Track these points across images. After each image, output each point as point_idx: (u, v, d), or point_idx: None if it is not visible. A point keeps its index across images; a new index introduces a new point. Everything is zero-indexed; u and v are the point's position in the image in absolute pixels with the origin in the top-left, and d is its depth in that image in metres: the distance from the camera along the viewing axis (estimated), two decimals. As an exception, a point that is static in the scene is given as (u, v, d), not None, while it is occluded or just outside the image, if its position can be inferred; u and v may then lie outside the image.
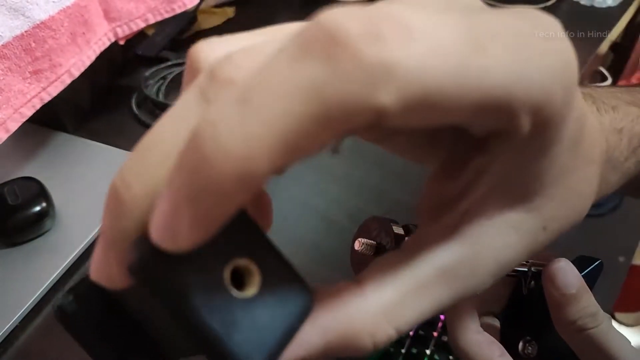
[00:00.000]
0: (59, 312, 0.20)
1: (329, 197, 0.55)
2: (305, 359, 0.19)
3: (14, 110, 0.48)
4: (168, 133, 0.17)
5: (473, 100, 0.16)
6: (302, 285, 0.20)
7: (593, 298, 0.33)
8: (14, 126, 0.48)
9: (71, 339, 0.43)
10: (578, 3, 0.84)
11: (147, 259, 0.16)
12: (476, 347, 0.33)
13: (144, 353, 0.21)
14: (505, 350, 0.34)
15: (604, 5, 0.83)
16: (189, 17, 0.75)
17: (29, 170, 0.57)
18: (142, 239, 0.17)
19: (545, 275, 0.34)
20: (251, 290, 0.18)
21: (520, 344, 0.37)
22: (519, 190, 0.21)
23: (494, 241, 0.21)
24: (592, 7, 0.83)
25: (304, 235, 0.51)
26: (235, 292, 0.18)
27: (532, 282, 0.36)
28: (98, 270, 0.19)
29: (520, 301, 0.37)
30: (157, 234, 0.16)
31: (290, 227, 0.52)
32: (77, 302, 0.20)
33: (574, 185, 0.23)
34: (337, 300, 0.20)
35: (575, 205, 0.24)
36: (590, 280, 0.35)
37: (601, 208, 0.55)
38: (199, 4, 0.74)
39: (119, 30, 0.58)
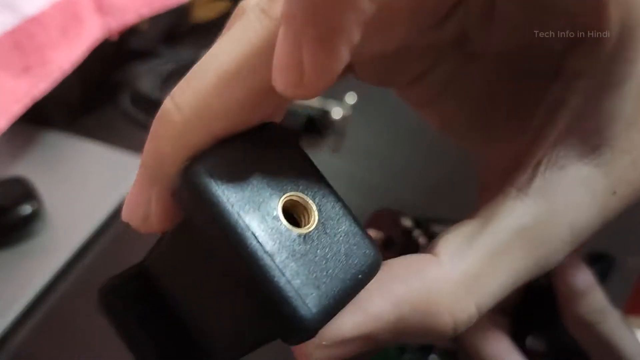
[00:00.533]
0: (102, 296, 0.20)
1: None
2: (374, 335, 0.17)
3: (3, 108, 0.47)
4: (226, 54, 0.16)
5: None
6: (367, 240, 0.18)
7: (602, 293, 0.33)
8: (4, 124, 0.47)
9: (61, 344, 0.42)
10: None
11: (200, 175, 0.15)
12: (485, 342, 0.34)
13: (182, 350, 0.20)
14: (513, 347, 0.35)
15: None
16: (184, 10, 0.74)
17: (18, 169, 0.56)
18: (192, 166, 0.16)
19: (555, 270, 0.34)
20: (307, 228, 0.17)
21: (529, 339, 0.37)
22: (591, 137, 0.19)
23: (567, 198, 0.19)
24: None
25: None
26: (290, 226, 0.16)
27: (541, 278, 0.37)
28: (133, 209, 0.18)
29: (529, 298, 0.38)
30: (280, 78, 0.15)
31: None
32: (121, 289, 0.20)
33: None
34: (410, 269, 0.18)
35: None
36: (601, 275, 0.35)
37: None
38: (194, -3, 0.73)
39: (111, 24, 0.58)
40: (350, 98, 0.60)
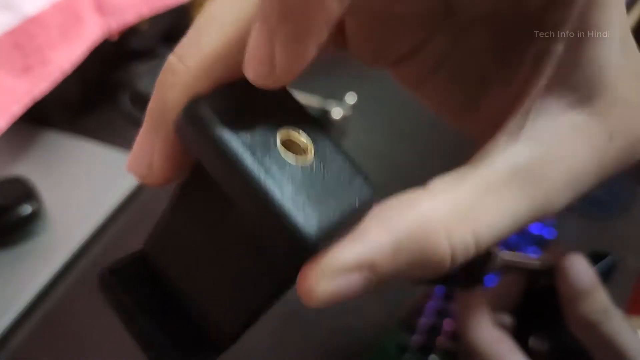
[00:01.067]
0: (102, 278, 0.20)
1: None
2: (374, 265, 0.17)
3: (3, 108, 0.47)
4: (226, 10, 0.18)
5: None
6: (361, 173, 0.19)
7: (605, 293, 0.34)
8: (4, 124, 0.47)
9: (61, 343, 0.42)
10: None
11: (202, 108, 0.17)
12: (488, 342, 0.34)
13: (182, 334, 0.21)
14: (516, 347, 0.35)
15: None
16: (184, 11, 0.74)
17: (18, 169, 0.56)
18: (194, 102, 0.17)
19: (558, 270, 0.35)
20: (304, 160, 0.18)
21: (531, 340, 0.37)
22: (580, 86, 0.20)
23: (561, 143, 0.20)
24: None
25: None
26: (289, 156, 0.17)
27: (544, 279, 0.37)
28: (137, 158, 0.19)
29: (532, 298, 0.38)
30: (253, 69, 0.16)
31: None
32: (121, 272, 0.21)
33: (634, 96, 0.21)
34: (404, 202, 0.19)
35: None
36: (603, 275, 0.35)
37: (611, 208, 0.55)
38: (193, -3, 0.73)
39: (111, 24, 0.58)
40: (350, 98, 0.60)
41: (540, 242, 0.52)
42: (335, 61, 0.71)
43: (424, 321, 0.56)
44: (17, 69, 0.48)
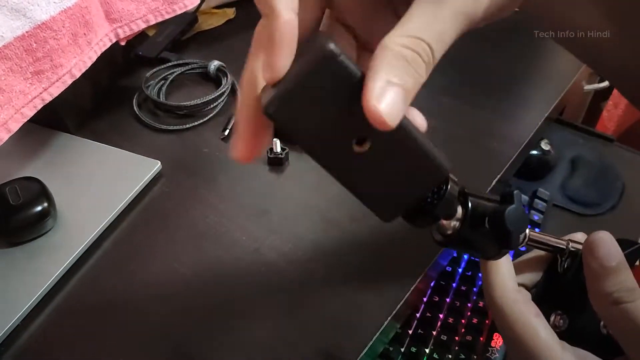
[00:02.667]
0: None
1: (329, 197, 0.55)
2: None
3: (15, 111, 0.48)
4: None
5: None
6: None
7: (632, 274, 0.34)
8: (15, 126, 0.48)
9: (72, 338, 0.43)
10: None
11: (335, 49, 0.24)
12: (512, 303, 0.34)
13: None
14: (540, 312, 0.35)
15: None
16: (190, 18, 0.76)
17: (31, 170, 0.58)
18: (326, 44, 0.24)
19: (586, 246, 0.35)
20: None
21: (552, 317, 0.37)
22: None
23: None
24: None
25: (304, 234, 0.51)
26: None
27: (569, 260, 0.37)
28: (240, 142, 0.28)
29: (554, 277, 0.38)
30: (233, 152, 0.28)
31: (290, 227, 0.52)
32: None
33: None
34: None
35: None
36: (630, 261, 0.35)
37: (599, 208, 0.55)
38: (200, 4, 0.75)
39: (120, 31, 0.58)
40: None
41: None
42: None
43: (419, 314, 0.56)
44: (28, 73, 0.49)
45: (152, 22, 0.61)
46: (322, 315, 0.45)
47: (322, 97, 0.24)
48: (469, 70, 0.70)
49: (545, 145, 0.69)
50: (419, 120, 0.28)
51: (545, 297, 0.38)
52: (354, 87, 0.24)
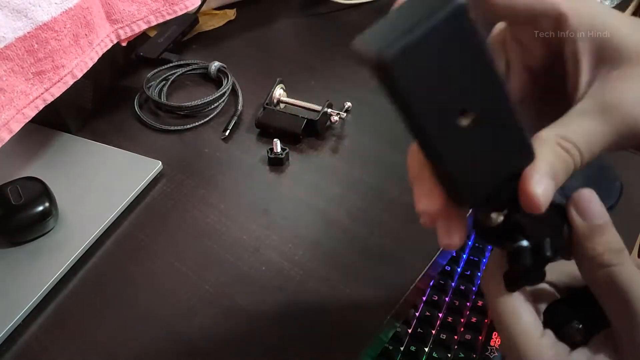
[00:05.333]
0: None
1: (329, 197, 0.55)
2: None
3: (16, 111, 0.48)
4: None
5: None
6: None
7: (618, 235, 0.31)
8: (17, 127, 0.48)
9: (73, 337, 0.43)
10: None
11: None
12: (511, 305, 0.32)
13: None
14: (531, 298, 0.33)
15: (603, 7, 0.84)
16: (191, 19, 0.76)
17: (32, 170, 0.58)
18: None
19: (571, 203, 0.33)
20: None
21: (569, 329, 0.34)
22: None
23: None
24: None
25: (304, 234, 0.51)
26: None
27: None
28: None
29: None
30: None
31: (290, 227, 0.52)
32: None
33: None
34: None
35: None
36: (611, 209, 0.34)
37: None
38: (201, 6, 0.75)
39: (121, 32, 0.59)
40: (349, 103, 0.62)
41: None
42: (334, 74, 0.72)
43: (419, 313, 0.57)
44: (30, 74, 0.49)
45: (153, 23, 0.61)
46: (321, 314, 0.45)
47: (444, 56, 0.22)
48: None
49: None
50: None
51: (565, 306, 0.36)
52: (480, 52, 0.23)
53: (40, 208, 0.50)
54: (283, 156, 0.58)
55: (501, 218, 0.31)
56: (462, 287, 0.58)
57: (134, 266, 0.50)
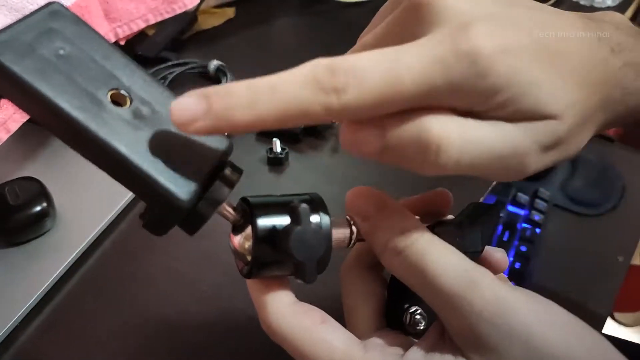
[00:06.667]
0: None
1: (329, 197, 0.55)
2: None
3: (14, 110, 0.48)
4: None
5: None
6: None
7: (409, 216, 0.29)
8: (14, 126, 0.48)
9: (69, 339, 0.43)
10: (578, 3, 0.84)
11: None
12: (291, 318, 0.29)
13: None
14: (328, 316, 0.30)
15: (603, 6, 0.83)
16: (190, 17, 0.76)
17: (30, 170, 0.57)
18: None
19: (346, 205, 0.32)
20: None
21: (407, 317, 0.32)
22: None
23: None
24: (592, 7, 0.83)
25: (303, 234, 0.51)
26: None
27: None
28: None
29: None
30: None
31: (290, 227, 0.52)
32: None
33: None
34: None
35: None
36: (488, 225, 0.32)
37: (600, 208, 0.55)
38: (199, 4, 0.75)
39: (119, 30, 0.58)
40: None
41: (526, 239, 0.52)
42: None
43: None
44: None
45: (152, 22, 0.61)
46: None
47: None
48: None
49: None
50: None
51: (394, 294, 0.33)
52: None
53: (38, 208, 0.50)
54: (283, 156, 0.58)
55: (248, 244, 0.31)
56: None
57: (132, 267, 0.50)
